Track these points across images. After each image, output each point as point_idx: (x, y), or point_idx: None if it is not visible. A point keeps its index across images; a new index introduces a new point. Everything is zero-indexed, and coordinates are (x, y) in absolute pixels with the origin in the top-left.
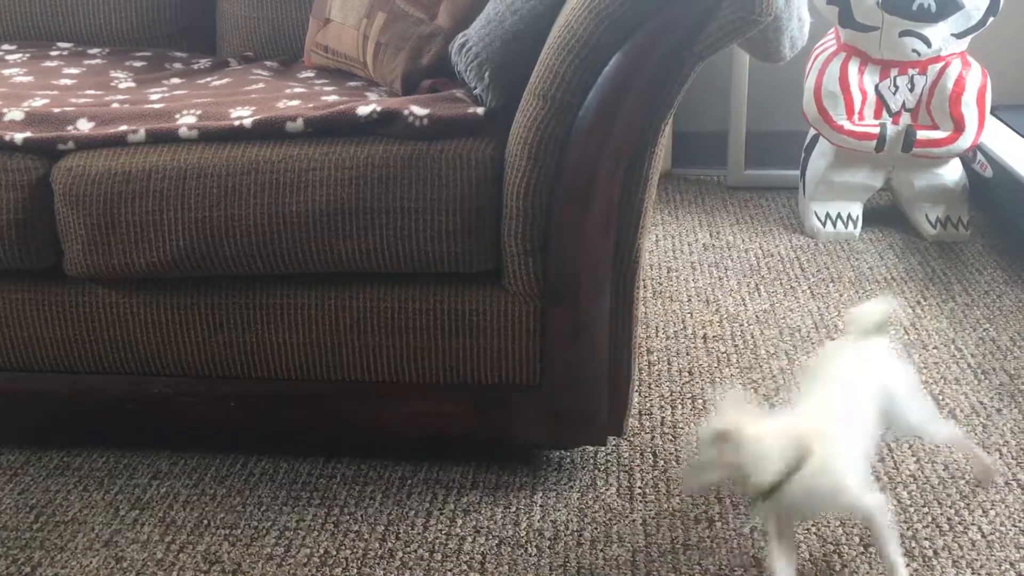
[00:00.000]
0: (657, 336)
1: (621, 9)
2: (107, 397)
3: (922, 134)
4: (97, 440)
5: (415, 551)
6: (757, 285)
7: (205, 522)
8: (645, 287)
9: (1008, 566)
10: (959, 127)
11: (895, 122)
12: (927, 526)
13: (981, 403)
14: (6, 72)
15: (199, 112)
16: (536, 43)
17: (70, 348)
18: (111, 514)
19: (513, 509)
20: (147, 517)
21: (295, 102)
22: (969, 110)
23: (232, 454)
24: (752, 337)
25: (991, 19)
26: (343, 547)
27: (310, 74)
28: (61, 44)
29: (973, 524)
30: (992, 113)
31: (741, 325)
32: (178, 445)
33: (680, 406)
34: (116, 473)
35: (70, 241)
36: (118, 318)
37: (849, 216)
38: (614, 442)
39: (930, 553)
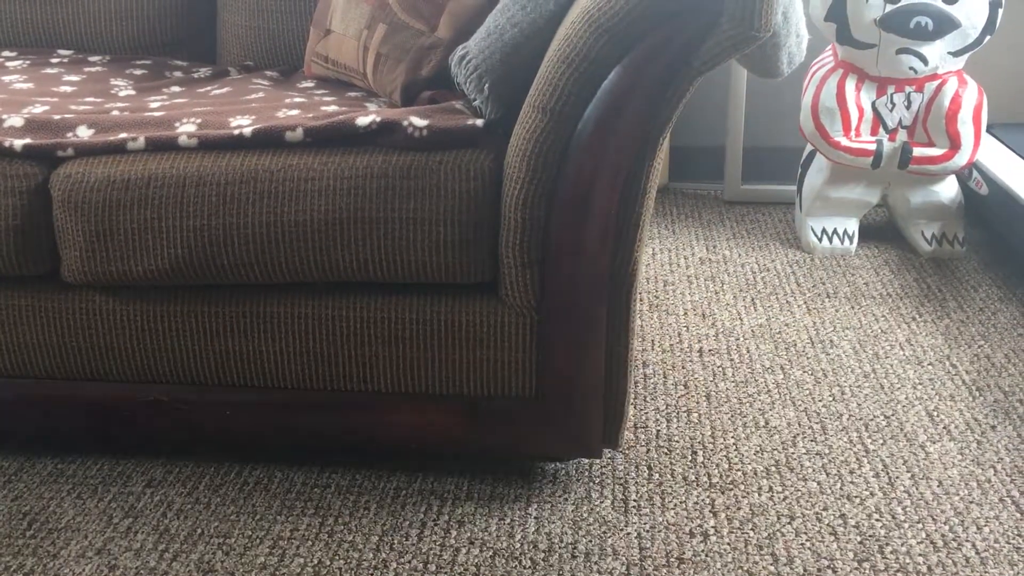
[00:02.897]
0: (653, 349)
1: (621, 23)
2: (102, 404)
3: (918, 151)
4: (91, 447)
5: (409, 562)
6: (753, 299)
7: (199, 531)
8: (641, 300)
9: None
10: (955, 145)
11: (891, 139)
12: (921, 542)
13: (976, 420)
14: (6, 79)
15: (199, 121)
16: (536, 56)
17: (66, 354)
18: (104, 522)
19: (508, 521)
20: (141, 525)
21: (295, 112)
22: (965, 128)
23: (227, 463)
24: (748, 351)
25: (987, 38)
26: (337, 557)
27: (310, 84)
28: (61, 51)
29: (967, 541)
30: (988, 131)
31: (737, 339)
32: (173, 453)
33: (675, 419)
34: (110, 481)
35: (68, 248)
36: (115, 325)
37: (845, 232)
38: (609, 455)
39: (924, 569)
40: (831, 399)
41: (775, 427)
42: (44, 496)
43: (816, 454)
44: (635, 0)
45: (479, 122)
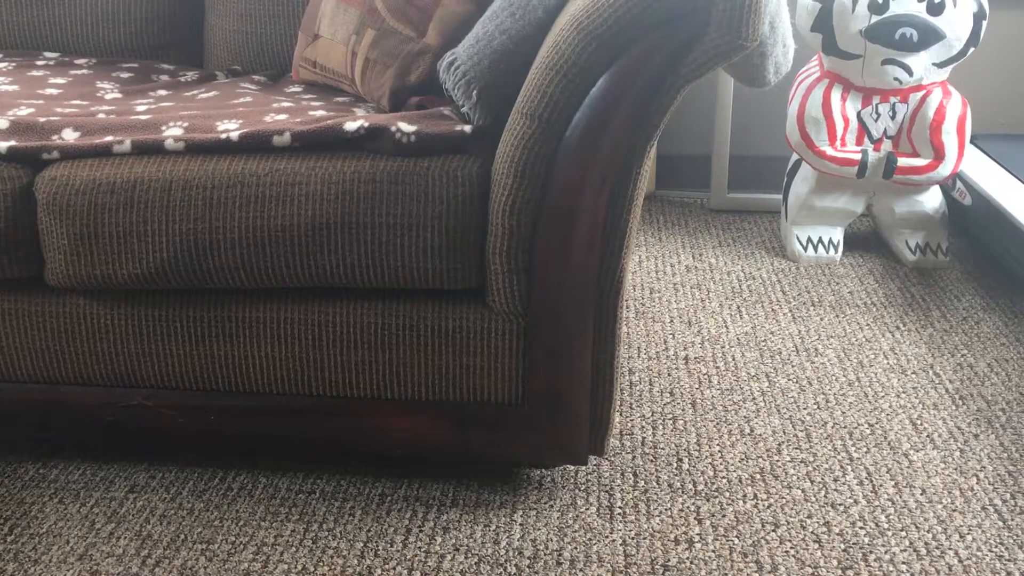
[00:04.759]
0: (639, 356)
1: (610, 31)
2: (85, 408)
3: (903, 161)
4: (74, 452)
5: (394, 568)
6: (739, 307)
7: (182, 537)
8: (628, 307)
9: None
10: (939, 155)
11: (876, 149)
12: (904, 550)
13: (959, 428)
14: None
15: (185, 124)
16: (524, 63)
17: (49, 358)
18: (87, 527)
19: (493, 527)
20: (123, 531)
21: (282, 116)
22: (949, 138)
23: (211, 468)
24: (733, 359)
25: (971, 50)
26: (321, 563)
27: (298, 89)
28: (47, 54)
29: (950, 549)
30: (972, 142)
31: (722, 347)
32: (156, 458)
33: (661, 427)
34: (92, 486)
35: (52, 251)
36: (99, 329)
37: (830, 241)
38: (595, 461)
39: None
40: (816, 407)
41: (760, 435)
42: (26, 501)
43: (801, 462)
44: (624, 8)
45: (467, 128)
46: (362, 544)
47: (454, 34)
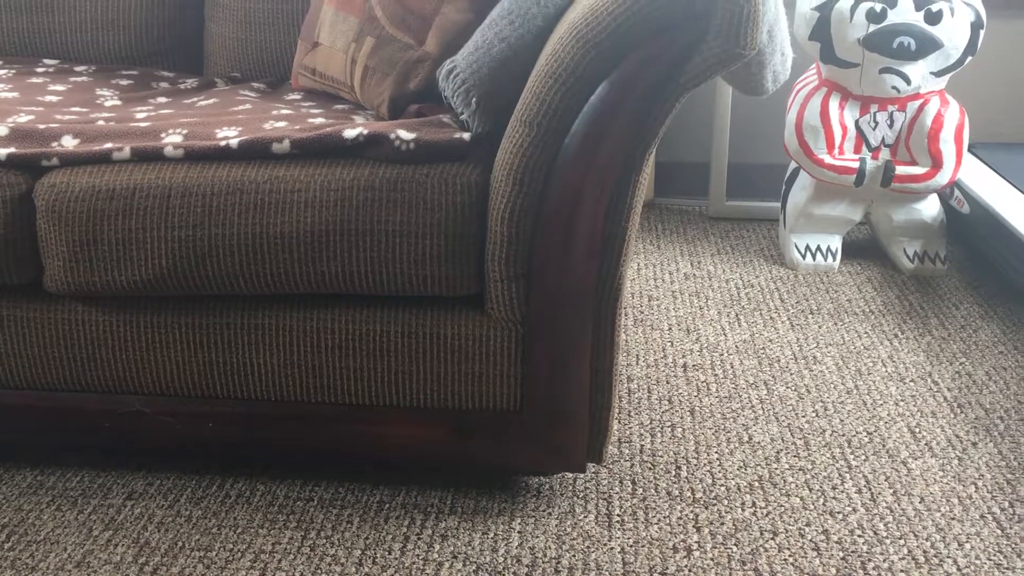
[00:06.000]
0: (637, 364)
1: (609, 39)
2: (83, 415)
3: (901, 170)
4: (72, 459)
5: None
6: (737, 315)
7: (180, 544)
8: (626, 315)
9: None
10: (937, 163)
11: (874, 157)
12: (903, 558)
13: (957, 436)
14: None
15: (185, 131)
16: (523, 71)
17: (47, 365)
18: (84, 534)
19: (491, 535)
20: (121, 538)
21: (282, 123)
22: (947, 147)
23: (208, 475)
24: (732, 367)
25: (969, 58)
26: (319, 571)
27: (297, 96)
28: (47, 61)
29: (949, 557)
30: (969, 150)
31: (721, 354)
32: (154, 465)
33: (659, 434)
34: (90, 493)
35: (51, 257)
36: (97, 335)
37: (828, 249)
38: (593, 469)
39: None
40: (814, 415)
41: (758, 442)
42: (23, 508)
43: (799, 470)
44: (623, 17)
45: (466, 136)
46: (360, 552)
47: (453, 42)
